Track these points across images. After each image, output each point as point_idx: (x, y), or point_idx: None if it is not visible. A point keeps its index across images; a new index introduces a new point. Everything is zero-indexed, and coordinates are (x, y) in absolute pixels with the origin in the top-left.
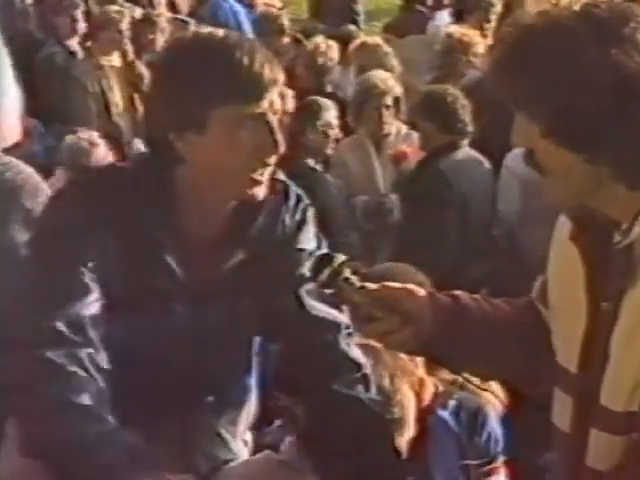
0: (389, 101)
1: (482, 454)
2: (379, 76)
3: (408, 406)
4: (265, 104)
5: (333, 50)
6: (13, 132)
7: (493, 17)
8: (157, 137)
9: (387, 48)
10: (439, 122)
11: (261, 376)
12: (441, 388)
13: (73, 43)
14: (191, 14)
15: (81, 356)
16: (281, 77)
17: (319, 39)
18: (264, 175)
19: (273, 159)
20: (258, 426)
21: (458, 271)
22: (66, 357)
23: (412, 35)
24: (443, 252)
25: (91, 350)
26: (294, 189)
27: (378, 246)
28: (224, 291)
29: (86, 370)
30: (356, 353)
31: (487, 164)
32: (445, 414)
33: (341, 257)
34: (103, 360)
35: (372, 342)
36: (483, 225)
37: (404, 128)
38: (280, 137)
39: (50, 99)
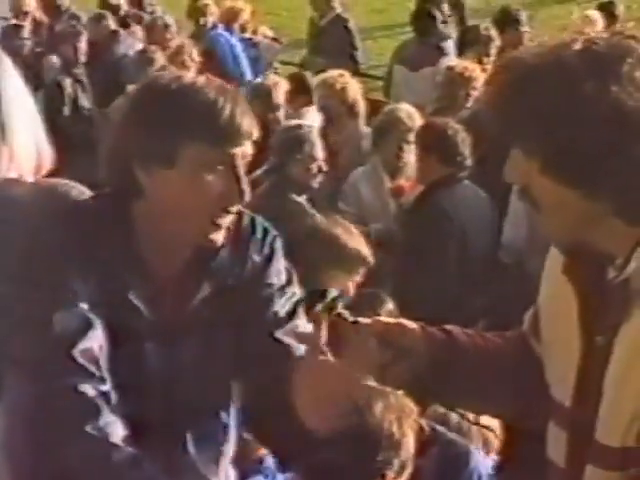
0: (411, 137)
1: None
2: (406, 111)
3: (410, 448)
4: (238, 153)
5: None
6: (48, 159)
7: (493, 51)
8: (119, 166)
9: (343, 83)
10: (439, 154)
11: (241, 411)
12: (427, 428)
13: (79, 71)
14: None
15: (105, 390)
16: (256, 133)
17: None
18: (225, 221)
19: (235, 208)
20: (241, 463)
21: (458, 301)
22: (95, 391)
23: (425, 68)
24: (444, 283)
25: (108, 386)
26: (260, 222)
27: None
28: (195, 327)
29: (109, 405)
30: None
31: (485, 196)
32: (428, 459)
33: (334, 292)
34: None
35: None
36: (482, 256)
37: None
38: (246, 187)
39: (55, 124)
